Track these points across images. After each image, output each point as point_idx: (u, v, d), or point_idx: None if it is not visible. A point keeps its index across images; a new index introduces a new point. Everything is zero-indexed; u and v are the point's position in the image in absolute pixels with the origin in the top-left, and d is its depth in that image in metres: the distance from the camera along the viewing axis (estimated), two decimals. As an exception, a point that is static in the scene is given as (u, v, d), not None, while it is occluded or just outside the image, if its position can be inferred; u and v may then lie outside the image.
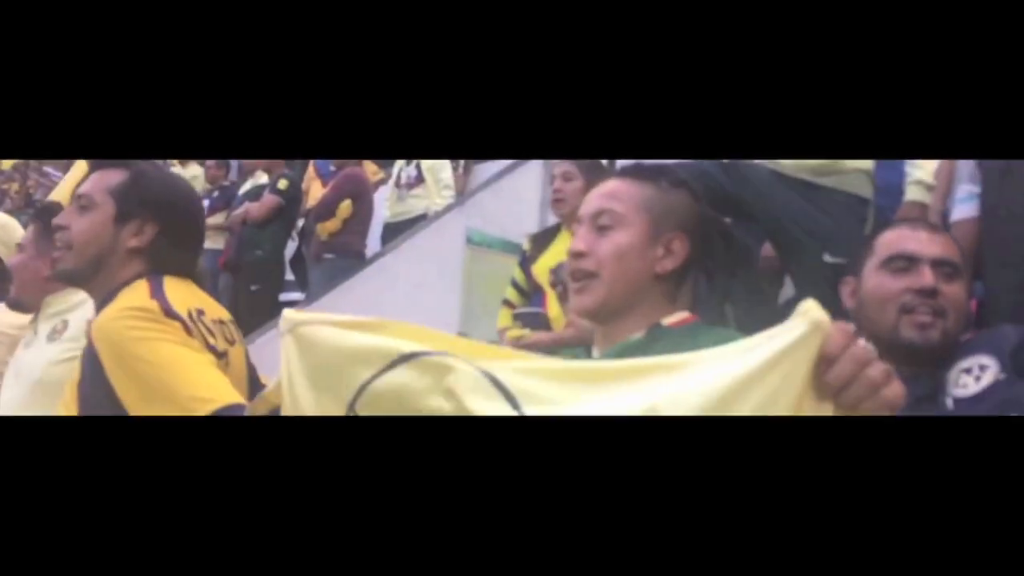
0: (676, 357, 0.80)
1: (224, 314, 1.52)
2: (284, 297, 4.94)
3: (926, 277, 1.33)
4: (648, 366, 0.81)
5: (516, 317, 2.71)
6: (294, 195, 4.95)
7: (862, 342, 0.75)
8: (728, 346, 0.77)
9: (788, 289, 2.55)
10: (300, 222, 5.21)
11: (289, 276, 5.15)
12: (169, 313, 1.37)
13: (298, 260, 5.17)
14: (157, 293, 1.40)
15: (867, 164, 2.22)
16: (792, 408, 0.73)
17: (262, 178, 5.26)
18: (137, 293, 1.41)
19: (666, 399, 0.75)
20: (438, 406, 0.87)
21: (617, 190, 1.20)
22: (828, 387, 0.73)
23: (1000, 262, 1.81)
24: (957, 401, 1.27)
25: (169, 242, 1.48)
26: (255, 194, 5.11)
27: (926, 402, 1.30)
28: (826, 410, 0.73)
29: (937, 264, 1.35)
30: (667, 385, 0.77)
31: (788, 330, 0.73)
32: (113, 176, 1.49)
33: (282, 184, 4.86)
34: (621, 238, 1.16)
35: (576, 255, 1.19)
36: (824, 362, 0.73)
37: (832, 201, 2.19)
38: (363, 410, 0.95)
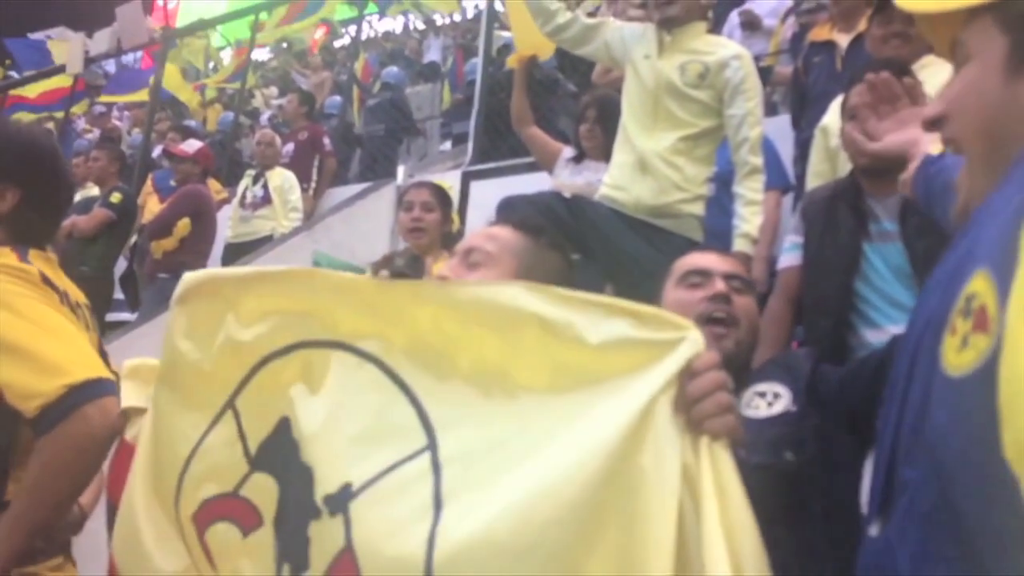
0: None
1: (81, 297, 1.41)
2: (112, 317, 4.61)
3: (718, 285, 1.41)
4: None
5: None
6: (128, 209, 4.63)
7: (724, 372, 0.85)
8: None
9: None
10: (133, 238, 4.92)
11: (119, 295, 4.83)
12: (47, 281, 1.28)
13: (129, 278, 4.87)
14: (26, 261, 1.29)
15: (699, 210, 2.32)
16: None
17: (93, 190, 4.92)
18: (6, 257, 1.29)
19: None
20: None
21: (495, 233, 1.24)
22: (686, 396, 0.82)
23: (817, 309, 1.94)
24: (747, 421, 1.32)
25: (32, 210, 1.36)
26: (85, 207, 4.76)
27: None
28: (679, 422, 0.82)
29: (728, 277, 1.43)
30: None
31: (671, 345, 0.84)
32: None
33: (115, 198, 4.54)
34: (487, 277, 1.19)
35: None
36: (689, 375, 0.83)
37: (668, 243, 2.27)
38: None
